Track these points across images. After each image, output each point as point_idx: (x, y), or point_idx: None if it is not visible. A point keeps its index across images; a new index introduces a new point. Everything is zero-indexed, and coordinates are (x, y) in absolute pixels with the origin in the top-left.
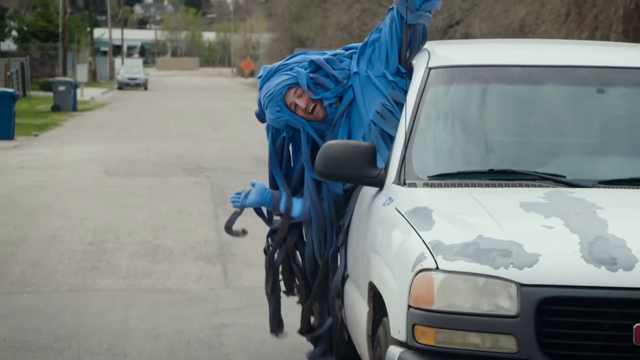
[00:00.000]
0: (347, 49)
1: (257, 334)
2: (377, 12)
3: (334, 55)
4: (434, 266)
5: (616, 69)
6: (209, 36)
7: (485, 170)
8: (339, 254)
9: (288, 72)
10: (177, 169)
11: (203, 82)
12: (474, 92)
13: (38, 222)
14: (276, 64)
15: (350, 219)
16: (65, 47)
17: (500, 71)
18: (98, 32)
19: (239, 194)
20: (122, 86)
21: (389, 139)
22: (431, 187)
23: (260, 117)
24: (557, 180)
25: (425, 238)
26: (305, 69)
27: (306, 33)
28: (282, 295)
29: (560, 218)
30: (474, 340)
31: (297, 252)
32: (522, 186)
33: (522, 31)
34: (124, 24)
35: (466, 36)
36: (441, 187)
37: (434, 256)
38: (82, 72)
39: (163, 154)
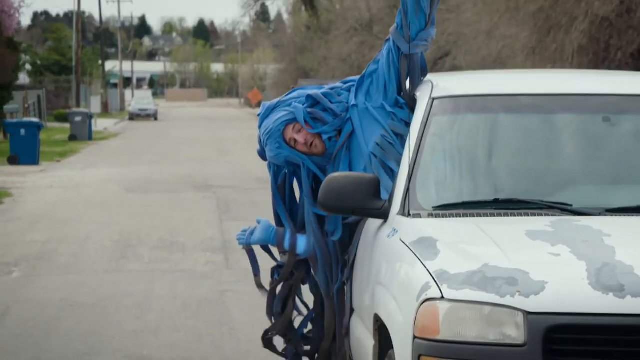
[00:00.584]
0: (345, 82)
1: (251, 297)
2: (374, 45)
3: (332, 88)
4: (439, 295)
5: (623, 96)
6: (217, 67)
7: (491, 199)
8: (345, 290)
9: (286, 108)
10: (187, 187)
11: (211, 112)
12: (477, 122)
13: (72, 228)
14: (274, 101)
15: (356, 253)
16: (79, 80)
17: (504, 100)
18: (108, 65)
19: (245, 231)
20: (133, 117)
21: (390, 171)
22: (436, 217)
23: (262, 154)
24: (564, 209)
25: (430, 267)
26: (303, 104)
27: (310, 64)
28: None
29: (567, 246)
30: None
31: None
32: (528, 215)
33: (500, 62)
34: (133, 56)
35: (454, 68)
36: (446, 217)
37: (439, 285)
38: (95, 104)
39: (174, 174)
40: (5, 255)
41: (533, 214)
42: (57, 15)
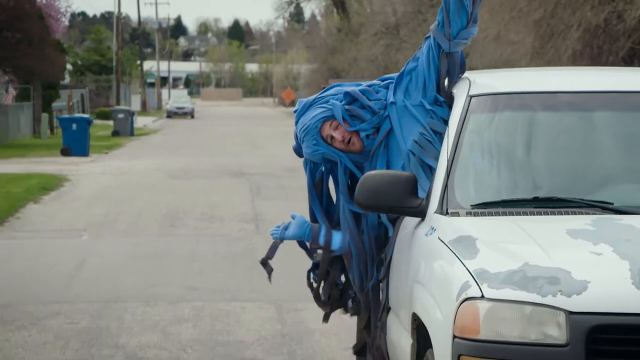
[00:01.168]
0: (383, 80)
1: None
2: (399, 47)
3: (370, 86)
4: (479, 294)
5: None
6: (252, 67)
7: (530, 197)
8: (380, 287)
9: (323, 105)
10: (224, 174)
11: (246, 111)
12: (515, 119)
13: (127, 204)
14: (311, 98)
15: (392, 251)
16: (119, 80)
17: (542, 98)
18: (146, 65)
19: (279, 226)
20: (171, 115)
21: (429, 169)
22: (474, 215)
23: (298, 151)
24: (605, 207)
25: (469, 266)
26: (341, 101)
27: (341, 65)
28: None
29: (609, 245)
30: None
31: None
32: (569, 214)
33: (509, 65)
34: (169, 56)
35: (470, 69)
36: (485, 215)
37: (479, 284)
38: (135, 102)
39: (212, 164)
40: (75, 223)
41: (573, 213)
42: (94, 16)
